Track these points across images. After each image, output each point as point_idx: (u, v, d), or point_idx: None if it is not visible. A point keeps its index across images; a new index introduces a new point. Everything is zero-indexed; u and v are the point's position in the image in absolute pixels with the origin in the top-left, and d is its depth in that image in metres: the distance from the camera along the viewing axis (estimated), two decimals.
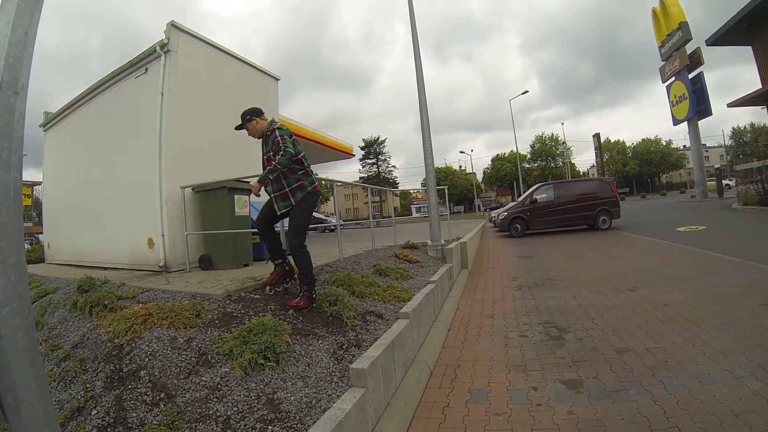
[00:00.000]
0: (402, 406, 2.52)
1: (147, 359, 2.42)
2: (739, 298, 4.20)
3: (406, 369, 2.99)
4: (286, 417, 2.04)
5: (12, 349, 1.09)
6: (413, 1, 7.71)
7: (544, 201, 14.14)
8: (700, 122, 24.54)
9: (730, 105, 20.51)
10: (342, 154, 16.77)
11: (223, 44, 6.78)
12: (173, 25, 5.75)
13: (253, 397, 2.18)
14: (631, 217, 16.63)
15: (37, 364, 1.16)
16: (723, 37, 18.68)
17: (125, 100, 6.40)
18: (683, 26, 23.44)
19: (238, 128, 3.75)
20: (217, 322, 2.97)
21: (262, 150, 3.72)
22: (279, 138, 3.46)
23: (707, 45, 20.79)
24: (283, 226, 4.11)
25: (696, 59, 23.20)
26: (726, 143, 61.34)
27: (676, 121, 25.96)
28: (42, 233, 10.17)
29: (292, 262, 3.75)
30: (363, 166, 65.74)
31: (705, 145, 39.49)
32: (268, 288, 3.75)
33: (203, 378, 2.32)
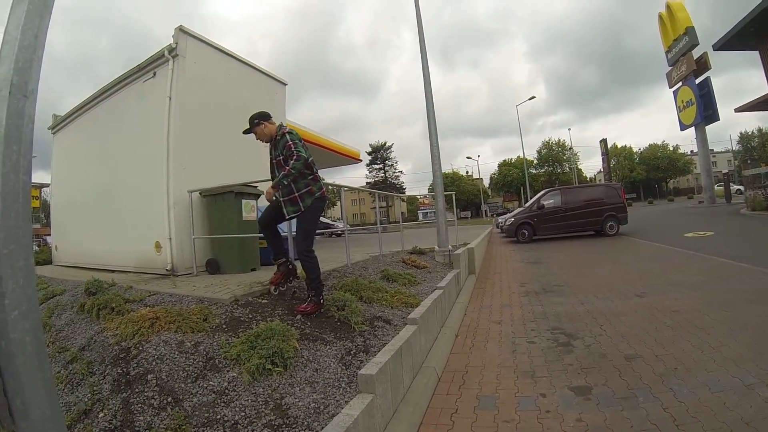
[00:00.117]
0: (410, 412, 2.50)
1: (154, 363, 2.41)
2: (749, 305, 4.15)
3: (413, 375, 2.96)
4: (294, 422, 2.03)
5: (21, 352, 1.08)
6: (420, 6, 7.74)
7: (551, 207, 14.11)
8: (707, 127, 24.43)
9: (737, 110, 20.37)
10: (349, 159, 16.81)
11: (230, 48, 6.82)
12: (181, 30, 5.77)
13: (260, 403, 2.17)
14: (639, 222, 16.54)
15: (45, 367, 1.16)
16: (730, 42, 18.54)
17: (133, 104, 6.43)
18: (690, 31, 23.39)
19: (245, 132, 3.75)
20: (224, 326, 2.97)
21: (271, 154, 3.72)
22: (291, 143, 3.46)
23: (714, 50, 20.63)
24: (290, 230, 4.10)
25: (703, 64, 23.12)
26: (733, 148, 60.93)
27: (683, 127, 25.86)
28: (49, 235, 10.22)
29: (299, 266, 3.75)
30: (370, 172, 65.97)
31: (712, 150, 39.20)
32: (272, 287, 3.75)
33: (211, 382, 2.31)
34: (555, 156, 64.69)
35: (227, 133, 5.80)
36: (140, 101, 6.27)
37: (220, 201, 5.36)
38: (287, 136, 3.51)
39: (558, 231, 14.10)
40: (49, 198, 14.34)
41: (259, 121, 3.65)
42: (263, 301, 3.55)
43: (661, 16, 26.04)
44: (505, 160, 67.82)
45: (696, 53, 23.40)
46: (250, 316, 3.18)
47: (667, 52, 25.86)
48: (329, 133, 16.78)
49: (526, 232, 14.14)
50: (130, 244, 6.13)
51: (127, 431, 1.99)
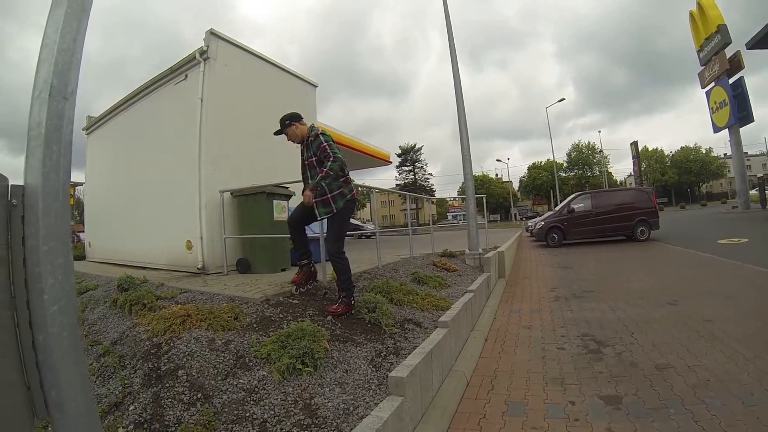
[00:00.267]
0: (438, 416, 2.46)
1: (185, 359, 2.44)
2: None
3: (443, 378, 2.93)
4: (323, 423, 2.02)
5: (58, 346, 1.10)
6: (449, 8, 7.70)
7: (581, 210, 13.83)
8: (741, 129, 23.54)
9: None
10: (379, 161, 16.78)
11: (260, 51, 6.89)
12: (212, 33, 5.86)
13: (290, 402, 2.17)
14: (670, 228, 16.06)
15: (81, 362, 1.18)
16: (763, 40, 17.83)
17: (166, 106, 6.57)
18: (722, 29, 22.60)
19: (276, 134, 3.77)
20: (255, 325, 2.98)
21: (302, 155, 3.74)
22: (325, 144, 3.46)
23: (747, 48, 19.92)
24: (322, 232, 4.12)
25: (736, 63, 22.28)
26: None
27: (716, 129, 25.03)
28: (83, 232, 10.55)
29: (330, 269, 3.75)
30: (399, 174, 66.01)
31: (747, 153, 37.65)
32: (294, 288, 3.76)
33: (240, 380, 2.32)
34: (585, 159, 63.68)
35: (258, 134, 5.85)
36: (172, 103, 6.40)
37: (251, 201, 5.41)
38: (321, 137, 3.51)
39: (588, 235, 13.81)
40: (82, 196, 14.82)
41: (290, 122, 3.66)
42: (294, 301, 3.56)
43: (692, 14, 25.29)
44: (534, 163, 67.23)
45: (729, 52, 22.60)
46: (281, 315, 3.19)
47: (698, 51, 25.09)
48: (359, 135, 16.81)
49: (555, 236, 13.89)
50: (162, 242, 6.25)
51: (157, 425, 2.02)
